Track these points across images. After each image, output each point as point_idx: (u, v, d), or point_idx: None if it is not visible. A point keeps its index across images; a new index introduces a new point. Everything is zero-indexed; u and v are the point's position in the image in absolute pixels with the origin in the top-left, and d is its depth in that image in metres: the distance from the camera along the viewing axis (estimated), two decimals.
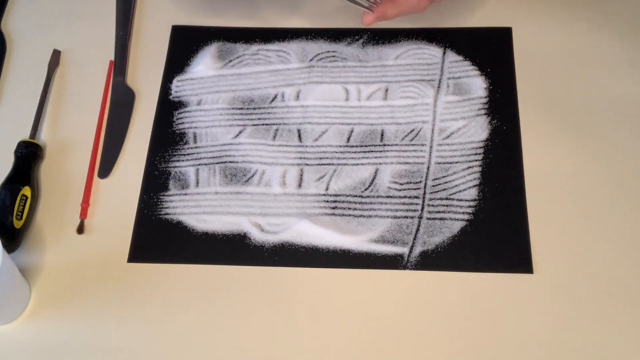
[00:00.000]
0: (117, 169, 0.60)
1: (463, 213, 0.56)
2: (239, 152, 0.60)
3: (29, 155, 0.60)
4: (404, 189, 0.57)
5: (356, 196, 0.57)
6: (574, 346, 0.50)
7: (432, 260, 0.54)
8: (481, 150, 0.58)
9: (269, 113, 0.62)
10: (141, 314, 0.54)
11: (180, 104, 0.63)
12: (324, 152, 0.60)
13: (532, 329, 0.51)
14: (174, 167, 0.60)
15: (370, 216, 0.56)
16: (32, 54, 0.67)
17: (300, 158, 0.59)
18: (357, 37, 0.65)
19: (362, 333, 0.52)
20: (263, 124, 0.61)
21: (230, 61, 0.65)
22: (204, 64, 0.65)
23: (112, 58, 0.66)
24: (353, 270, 0.54)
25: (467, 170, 0.58)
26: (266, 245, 0.56)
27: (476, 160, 0.58)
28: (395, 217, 0.56)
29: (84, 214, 0.58)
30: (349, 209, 0.57)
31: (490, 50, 0.63)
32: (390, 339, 0.51)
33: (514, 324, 0.51)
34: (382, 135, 0.60)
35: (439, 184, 0.57)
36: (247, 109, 0.62)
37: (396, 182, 0.58)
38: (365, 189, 0.58)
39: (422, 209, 0.56)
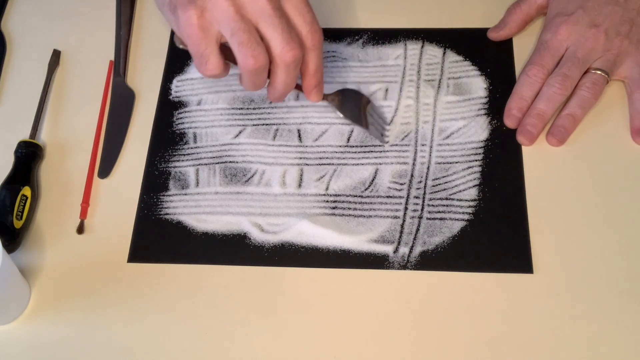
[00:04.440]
0: (117, 169, 0.60)
1: (463, 213, 0.56)
2: (239, 152, 0.60)
3: (29, 155, 0.60)
4: (404, 189, 0.57)
5: (356, 196, 0.57)
6: (574, 346, 0.50)
7: (432, 260, 0.54)
8: (481, 150, 0.58)
9: (269, 113, 0.62)
10: (141, 314, 0.54)
11: (180, 104, 0.63)
12: (324, 152, 0.60)
13: (532, 329, 0.51)
14: (174, 167, 0.60)
15: (370, 216, 0.56)
16: (32, 54, 0.67)
17: (300, 158, 0.59)
18: (357, 37, 0.65)
19: (362, 333, 0.52)
20: (263, 124, 0.61)
21: None
22: None
23: (112, 58, 0.66)
24: (353, 270, 0.54)
25: (467, 170, 0.58)
26: (266, 245, 0.56)
27: (476, 160, 0.58)
28: (395, 217, 0.56)
29: (84, 214, 0.58)
30: (349, 209, 0.57)
31: (490, 50, 0.63)
32: (391, 339, 0.51)
33: (514, 324, 0.51)
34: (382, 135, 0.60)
35: (439, 184, 0.57)
36: (247, 109, 0.62)
37: (396, 182, 0.58)
38: (365, 189, 0.58)
39: (422, 209, 0.56)
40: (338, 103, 0.59)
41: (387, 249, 0.55)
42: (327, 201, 0.57)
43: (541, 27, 0.63)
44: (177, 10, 0.49)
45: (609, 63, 0.58)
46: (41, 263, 0.56)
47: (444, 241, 0.55)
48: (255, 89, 0.53)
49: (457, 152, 0.59)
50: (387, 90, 0.62)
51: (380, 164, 0.59)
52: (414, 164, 0.58)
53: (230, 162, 0.60)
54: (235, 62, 0.51)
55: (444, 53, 0.64)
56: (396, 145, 0.59)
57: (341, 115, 0.59)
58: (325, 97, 0.58)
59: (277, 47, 0.49)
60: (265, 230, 0.56)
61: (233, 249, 0.56)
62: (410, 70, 0.63)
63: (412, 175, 0.58)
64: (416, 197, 0.57)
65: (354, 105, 0.60)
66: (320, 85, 0.56)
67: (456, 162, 0.58)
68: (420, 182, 0.57)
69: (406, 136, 0.60)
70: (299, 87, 0.56)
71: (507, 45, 0.64)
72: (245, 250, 0.56)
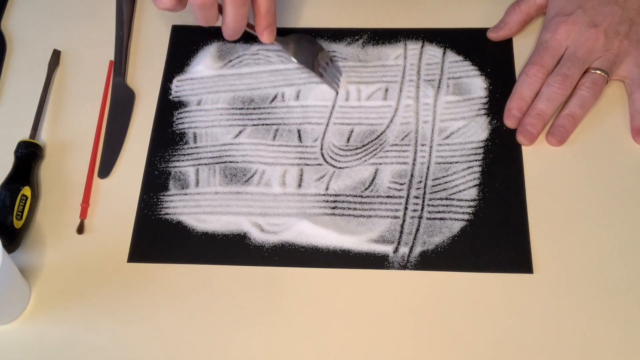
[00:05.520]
0: (117, 169, 0.60)
1: (463, 213, 0.56)
2: (239, 152, 0.60)
3: (29, 155, 0.60)
4: (404, 189, 0.57)
5: (356, 196, 0.57)
6: (574, 346, 0.50)
7: (432, 260, 0.54)
8: (481, 150, 0.58)
9: (269, 113, 0.62)
10: (141, 314, 0.54)
11: (180, 104, 0.63)
12: (324, 151, 0.60)
13: (532, 329, 0.51)
14: (174, 167, 0.60)
15: (370, 216, 0.56)
16: (32, 54, 0.67)
17: (300, 158, 0.59)
18: (357, 37, 0.65)
19: (362, 333, 0.52)
20: (263, 124, 0.61)
21: (230, 61, 0.65)
22: (204, 64, 0.65)
23: (112, 58, 0.66)
24: (353, 270, 0.54)
25: (467, 170, 0.58)
26: (266, 245, 0.56)
27: (476, 160, 0.58)
28: (395, 217, 0.56)
29: (84, 214, 0.58)
30: (349, 209, 0.57)
31: (490, 50, 0.63)
32: (390, 339, 0.51)
33: (514, 324, 0.51)
34: (382, 135, 0.60)
35: (439, 184, 0.57)
36: (247, 109, 0.62)
37: (396, 182, 0.58)
38: (365, 189, 0.58)
39: (422, 209, 0.56)
40: (292, 48, 0.62)
41: (387, 249, 0.55)
42: (327, 201, 0.57)
43: (541, 27, 0.63)
44: None
45: (608, 63, 0.58)
46: (41, 263, 0.56)
47: (444, 241, 0.55)
48: (207, 23, 0.58)
49: (457, 152, 0.59)
50: (387, 90, 0.62)
51: (380, 164, 0.59)
52: (413, 164, 0.58)
53: (230, 162, 0.60)
54: None
55: (444, 53, 0.64)
56: (396, 145, 0.59)
57: (295, 61, 0.62)
58: (280, 41, 0.61)
59: None
60: (265, 230, 0.56)
61: (233, 249, 0.56)
62: (410, 70, 0.63)
63: (412, 175, 0.58)
64: (416, 197, 0.57)
65: (308, 52, 0.62)
66: (272, 27, 0.59)
67: (456, 162, 0.58)
68: (420, 182, 0.57)
69: (406, 136, 0.60)
70: (251, 28, 0.60)
71: (507, 45, 0.64)
72: (245, 250, 0.56)
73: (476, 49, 0.64)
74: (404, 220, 0.56)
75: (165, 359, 0.52)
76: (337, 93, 0.61)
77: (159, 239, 0.57)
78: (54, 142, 0.62)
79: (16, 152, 0.60)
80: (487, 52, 0.63)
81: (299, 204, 0.57)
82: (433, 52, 0.64)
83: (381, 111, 0.61)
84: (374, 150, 0.59)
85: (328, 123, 0.61)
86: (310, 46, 0.63)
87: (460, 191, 0.57)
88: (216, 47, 0.66)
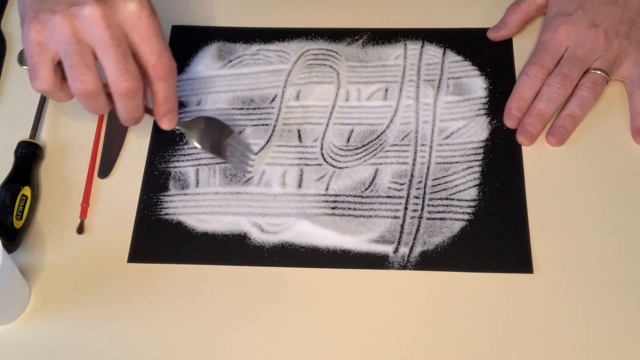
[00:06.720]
0: (117, 169, 0.60)
1: (463, 213, 0.56)
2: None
3: (29, 155, 0.60)
4: (404, 189, 0.57)
5: (356, 196, 0.57)
6: (574, 346, 0.50)
7: (432, 260, 0.54)
8: (481, 150, 0.58)
9: (269, 113, 0.62)
10: (141, 314, 0.54)
11: (180, 104, 0.63)
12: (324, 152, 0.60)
13: (532, 329, 0.51)
14: (174, 167, 0.60)
15: (370, 216, 0.56)
16: None
17: (300, 158, 0.59)
18: (357, 37, 0.65)
19: (362, 333, 0.52)
20: (263, 124, 0.61)
21: (230, 61, 0.65)
22: (204, 64, 0.65)
23: None
24: (353, 270, 0.54)
25: (467, 170, 0.58)
26: (266, 245, 0.56)
27: (476, 160, 0.58)
28: (395, 217, 0.56)
29: (84, 214, 0.58)
30: (349, 209, 0.57)
31: (490, 50, 0.63)
32: (390, 339, 0.51)
33: (514, 324, 0.51)
34: (382, 135, 0.60)
35: (439, 184, 0.57)
36: (247, 109, 0.62)
37: (396, 182, 0.58)
38: (365, 189, 0.58)
39: (422, 209, 0.56)
40: (196, 132, 0.57)
41: (387, 249, 0.55)
42: (327, 201, 0.57)
43: (541, 27, 0.63)
44: (23, 23, 0.51)
45: (608, 63, 0.58)
46: (41, 263, 0.56)
47: (444, 241, 0.55)
48: (95, 112, 0.53)
49: (457, 152, 0.59)
50: (387, 90, 0.62)
51: (380, 164, 0.59)
52: (414, 164, 0.58)
53: None
54: None
55: (444, 53, 0.64)
56: (396, 145, 0.59)
57: (198, 146, 0.57)
58: (182, 125, 0.57)
59: (111, 77, 0.49)
60: (265, 230, 0.56)
61: (233, 249, 0.56)
62: (410, 70, 0.63)
63: (412, 175, 0.58)
64: (416, 197, 0.57)
65: (213, 134, 0.58)
66: (171, 114, 0.54)
67: (456, 162, 0.58)
68: (420, 182, 0.57)
69: (406, 136, 0.60)
70: (150, 112, 0.55)
71: (507, 45, 0.64)
72: (245, 250, 0.56)
73: (476, 49, 0.64)
74: (404, 220, 0.56)
75: (165, 359, 0.52)
76: (250, 173, 0.58)
77: (159, 239, 0.57)
78: (54, 142, 0.62)
79: (16, 152, 0.60)
80: (487, 52, 0.63)
81: (299, 204, 0.57)
82: (433, 52, 0.64)
83: (381, 111, 0.61)
84: (374, 150, 0.59)
85: (328, 123, 0.61)
86: (217, 128, 0.59)
87: (460, 191, 0.57)
88: (216, 47, 0.66)
